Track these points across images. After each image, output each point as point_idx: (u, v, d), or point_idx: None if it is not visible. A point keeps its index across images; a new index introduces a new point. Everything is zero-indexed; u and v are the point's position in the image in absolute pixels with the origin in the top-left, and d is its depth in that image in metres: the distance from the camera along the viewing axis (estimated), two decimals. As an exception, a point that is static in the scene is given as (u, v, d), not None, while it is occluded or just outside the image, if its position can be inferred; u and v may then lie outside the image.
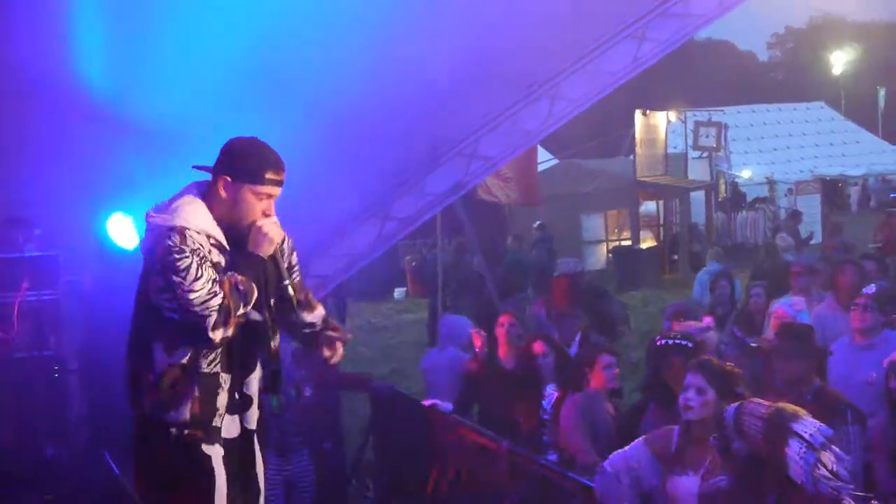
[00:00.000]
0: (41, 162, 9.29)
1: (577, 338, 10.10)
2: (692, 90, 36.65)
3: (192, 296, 4.70)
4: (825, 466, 4.59)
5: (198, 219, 4.90)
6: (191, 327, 4.77)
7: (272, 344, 5.17)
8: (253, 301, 4.89)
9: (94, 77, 9.23)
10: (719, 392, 5.90)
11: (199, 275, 4.74)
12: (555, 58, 10.88)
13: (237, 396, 5.10)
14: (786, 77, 67.82)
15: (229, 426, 5.08)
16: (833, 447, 4.68)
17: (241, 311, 4.83)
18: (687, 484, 5.84)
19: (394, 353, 21.06)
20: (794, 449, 4.64)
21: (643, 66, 11.06)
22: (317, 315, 5.32)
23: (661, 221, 32.83)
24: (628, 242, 31.39)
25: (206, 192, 5.03)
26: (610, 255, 31.28)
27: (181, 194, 5.01)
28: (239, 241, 5.02)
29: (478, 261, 18.51)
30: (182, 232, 4.80)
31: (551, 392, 8.92)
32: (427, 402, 9.58)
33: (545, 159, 29.51)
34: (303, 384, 9.21)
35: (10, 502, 8.62)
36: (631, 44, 11.01)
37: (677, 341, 7.35)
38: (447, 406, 9.43)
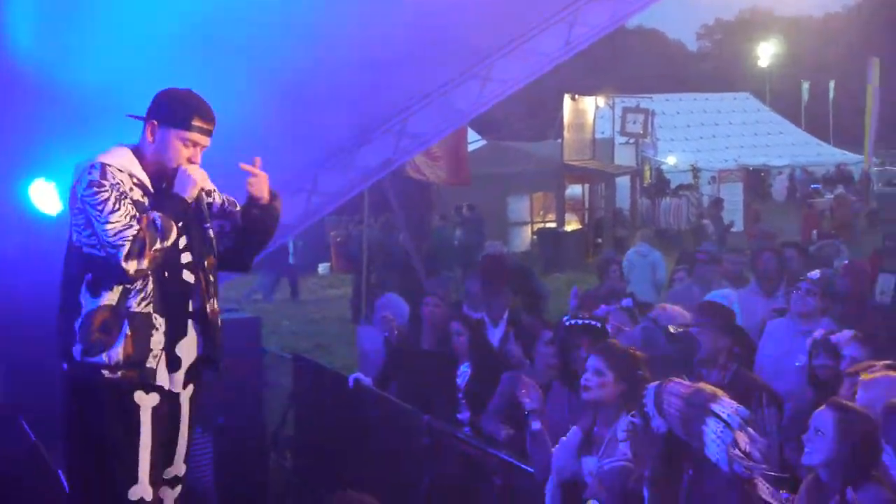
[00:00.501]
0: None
1: (505, 315, 10.10)
2: (621, 76, 36.91)
3: (108, 226, 4.76)
4: (739, 447, 4.67)
5: (120, 158, 4.98)
6: (111, 262, 4.80)
7: (207, 307, 5.19)
8: (172, 238, 4.92)
9: (22, 43, 9.07)
10: (619, 375, 5.98)
11: (115, 208, 4.80)
12: (488, 38, 10.84)
13: (169, 358, 5.09)
14: (714, 68, 68.36)
15: (164, 376, 5.06)
16: (748, 429, 4.76)
17: (158, 245, 4.85)
18: (591, 464, 5.95)
19: (317, 327, 21.07)
20: (711, 428, 4.71)
21: (575, 49, 11.10)
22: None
23: (587, 205, 33.01)
24: (553, 225, 31.51)
25: (136, 145, 5.12)
26: (535, 236, 31.42)
27: (112, 145, 5.09)
28: (165, 189, 5.08)
29: (403, 238, 18.51)
30: (103, 168, 4.87)
31: (465, 370, 8.95)
32: (351, 377, 9.55)
33: (473, 140, 29.53)
34: None
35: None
36: (563, 27, 11.02)
37: (586, 322, 7.38)
38: (367, 380, 9.44)
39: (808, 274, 9.05)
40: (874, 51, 44.18)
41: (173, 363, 5.11)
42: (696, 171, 39.17)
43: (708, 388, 5.00)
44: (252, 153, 9.81)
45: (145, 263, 4.81)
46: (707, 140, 45.02)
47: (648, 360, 6.19)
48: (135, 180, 4.96)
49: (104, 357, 4.89)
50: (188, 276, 5.10)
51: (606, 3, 10.97)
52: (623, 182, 33.85)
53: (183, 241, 5.10)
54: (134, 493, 4.95)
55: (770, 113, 51.99)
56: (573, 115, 31.02)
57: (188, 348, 5.17)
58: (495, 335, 9.85)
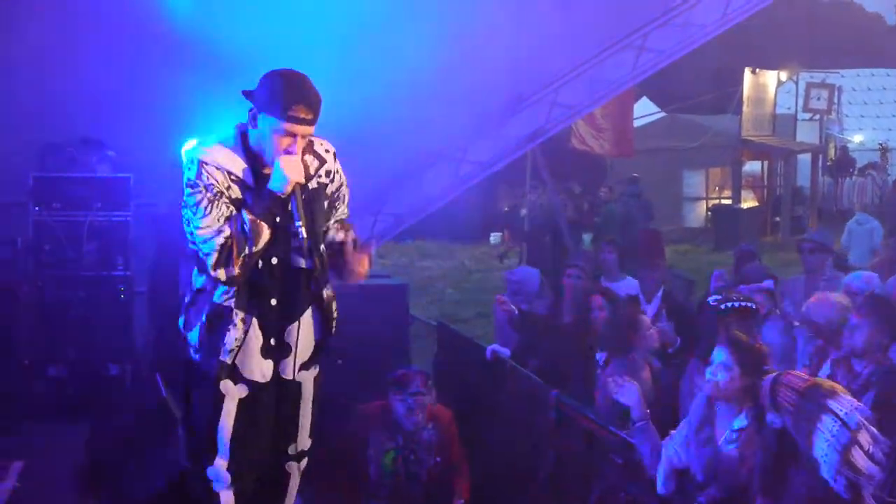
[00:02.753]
0: (119, 86, 9.37)
1: (660, 292, 9.91)
2: (811, 50, 35.70)
3: (199, 232, 4.74)
4: (861, 447, 4.45)
5: (219, 154, 4.83)
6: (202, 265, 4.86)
7: (324, 293, 5.13)
8: (262, 241, 4.80)
9: (178, 4, 9.29)
10: (745, 370, 5.76)
11: (207, 212, 4.73)
12: (642, 9, 10.70)
13: (273, 342, 5.04)
14: (913, 42, 65.78)
15: (258, 369, 5.02)
16: (870, 427, 4.53)
17: (247, 251, 4.75)
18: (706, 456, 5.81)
19: (480, 297, 21.09)
20: (825, 426, 4.51)
21: (732, 21, 10.92)
22: (344, 235, 5.14)
23: (765, 182, 32.22)
24: (729, 201, 30.87)
25: (245, 126, 4.95)
26: (709, 212, 30.86)
27: (218, 133, 4.98)
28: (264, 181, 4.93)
29: (553, 210, 18.33)
30: (200, 166, 4.77)
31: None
32: (489, 348, 9.53)
33: (650, 112, 29.15)
34: None
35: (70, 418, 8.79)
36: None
37: (741, 304, 7.15)
38: (505, 352, 9.39)
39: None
40: None
41: (284, 350, 5.08)
42: (885, 150, 37.79)
43: (826, 383, 4.81)
44: (403, 122, 9.93)
45: (235, 270, 4.76)
46: (901, 118, 43.47)
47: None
48: (233, 177, 4.82)
49: (191, 335, 4.98)
50: (301, 262, 5.00)
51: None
52: (804, 160, 32.88)
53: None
54: (219, 464, 5.00)
55: (973, 88, 49.91)
56: (753, 89, 30.25)
57: (304, 334, 5.12)
58: (648, 312, 9.59)
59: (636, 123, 26.85)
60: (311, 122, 4.84)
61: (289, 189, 4.84)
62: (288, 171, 4.81)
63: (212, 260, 4.72)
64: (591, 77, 11.19)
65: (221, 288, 4.88)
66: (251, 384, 5.01)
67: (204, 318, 4.91)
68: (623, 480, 6.94)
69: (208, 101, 9.14)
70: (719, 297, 7.23)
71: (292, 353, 5.08)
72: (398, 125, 9.62)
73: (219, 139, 4.89)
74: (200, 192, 4.74)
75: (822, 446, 4.46)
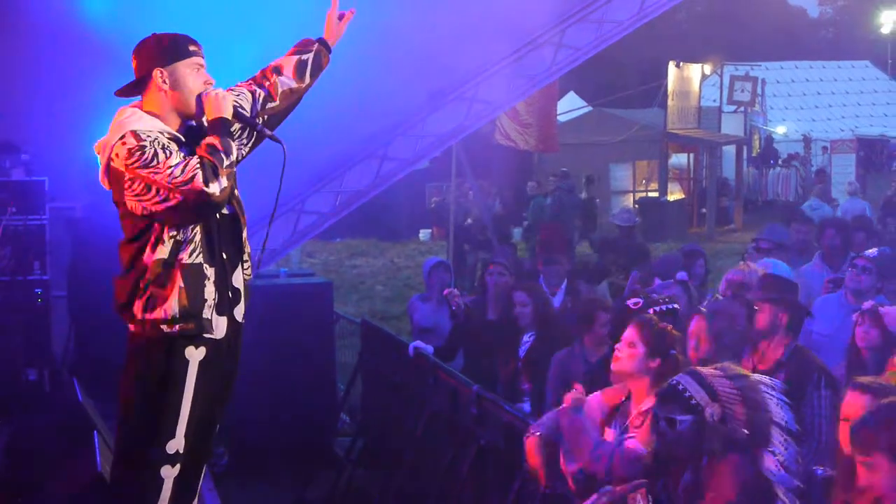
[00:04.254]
0: (33, 90, 9.29)
1: (563, 285, 10.02)
2: (734, 43, 36.17)
3: (171, 170, 4.69)
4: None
5: (140, 122, 4.86)
6: (191, 202, 4.77)
7: (243, 235, 5.18)
8: (234, 153, 4.86)
9: (93, 8, 9.23)
10: (651, 350, 5.83)
11: (168, 153, 4.72)
12: (559, 6, 10.77)
13: (230, 294, 5.09)
14: (835, 35, 66.74)
15: (219, 325, 5.05)
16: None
17: (227, 162, 4.78)
18: (610, 436, 5.87)
19: (411, 293, 21.09)
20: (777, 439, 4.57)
21: (648, 17, 10.98)
22: (287, 76, 5.30)
23: (691, 175, 32.54)
24: (655, 194, 31.16)
25: (141, 103, 5.02)
26: (636, 205, 31.13)
27: (122, 112, 4.99)
28: (197, 127, 5.04)
29: (477, 205, 18.42)
30: (132, 133, 4.76)
31: (527, 340, 8.87)
32: (411, 345, 9.55)
33: (577, 107, 29.34)
34: None
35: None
36: (636, -5, 10.92)
37: (665, 307, 7.18)
38: (428, 348, 9.41)
39: (866, 251, 8.93)
40: None
41: (236, 297, 5.13)
42: (808, 140, 38.29)
43: (746, 373, 4.87)
44: (324, 120, 9.92)
45: (225, 182, 4.75)
46: (822, 109, 43.89)
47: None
48: (166, 135, 4.86)
49: (161, 311, 4.89)
50: (225, 209, 5.04)
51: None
52: (729, 151, 33.25)
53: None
54: (171, 446, 4.98)
55: (890, 82, 50.50)
56: (678, 82, 30.55)
57: (240, 278, 5.19)
58: (554, 303, 9.73)
59: (563, 119, 27.04)
60: (203, 54, 5.05)
61: (230, 109, 4.95)
62: (222, 94, 4.95)
63: (199, 179, 4.67)
64: (509, 73, 11.23)
65: (186, 248, 4.90)
66: (210, 343, 5.04)
67: (181, 283, 4.89)
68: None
69: (121, 104, 9.11)
70: (639, 300, 7.29)
71: (242, 298, 5.16)
72: (319, 126, 9.59)
73: (123, 118, 4.92)
74: (148, 147, 4.72)
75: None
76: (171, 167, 4.68)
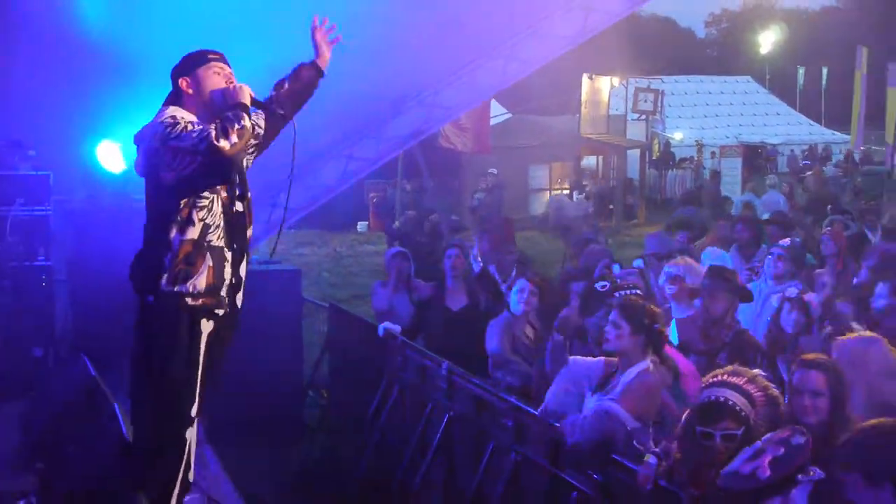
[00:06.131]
0: (39, 91, 9.15)
1: (513, 273, 9.99)
2: (636, 59, 36.47)
3: (191, 134, 4.87)
4: None
5: (179, 111, 5.08)
6: (209, 162, 4.90)
7: (248, 232, 5.29)
8: (247, 122, 4.91)
9: (91, 14, 9.07)
10: (635, 327, 5.90)
11: (195, 127, 4.92)
12: (511, 22, 10.74)
13: (234, 280, 5.18)
14: (719, 53, 67.77)
15: (228, 304, 5.17)
16: None
17: (239, 125, 4.85)
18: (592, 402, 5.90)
19: (354, 279, 21.03)
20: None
21: (591, 33, 11.01)
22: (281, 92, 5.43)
23: (600, 175, 32.79)
24: (569, 191, 31.33)
25: (178, 105, 5.18)
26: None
27: (161, 111, 5.13)
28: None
29: (431, 200, 18.44)
30: (172, 115, 5.00)
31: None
32: (381, 326, 9.46)
33: (499, 113, 29.37)
34: None
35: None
36: (579, 13, 10.91)
37: (632, 291, 7.20)
38: (396, 328, 9.34)
39: (780, 241, 9.15)
40: (863, 40, 43.57)
41: (238, 284, 5.21)
42: (700, 146, 38.84)
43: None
44: (299, 123, 9.80)
45: (235, 139, 4.82)
46: (711, 118, 44.74)
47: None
48: (194, 121, 5.04)
49: (189, 286, 4.97)
50: (239, 206, 5.19)
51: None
52: (633, 155, 33.60)
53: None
54: (194, 410, 5.08)
55: (768, 95, 51.58)
56: (590, 92, 30.93)
57: (244, 270, 5.29)
58: (504, 289, 9.68)
59: (487, 124, 27.08)
60: (226, 62, 5.29)
61: (249, 98, 5.07)
62: (240, 84, 5.12)
63: (212, 135, 4.78)
64: (465, 82, 11.21)
65: (214, 231, 5.05)
66: (217, 318, 5.12)
67: (210, 262, 5.03)
68: (513, 441, 6.98)
69: (119, 105, 8.97)
70: (606, 283, 7.32)
71: (243, 287, 5.26)
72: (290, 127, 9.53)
73: (169, 109, 5.11)
74: (179, 123, 4.93)
75: None
76: (191, 130, 4.88)
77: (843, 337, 5.89)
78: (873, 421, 3.86)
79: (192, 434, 5.10)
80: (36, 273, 9.21)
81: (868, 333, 5.87)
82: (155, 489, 5.04)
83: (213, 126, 4.82)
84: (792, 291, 7.52)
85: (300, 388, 11.18)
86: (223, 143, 4.79)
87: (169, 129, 4.89)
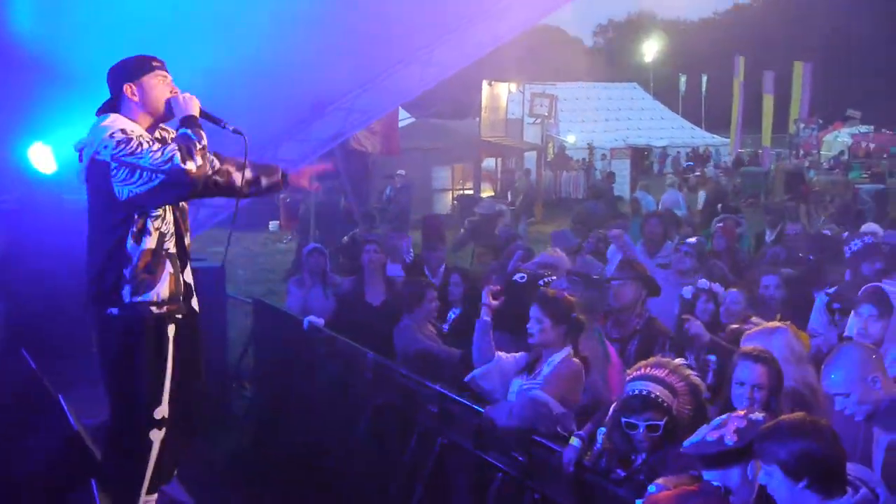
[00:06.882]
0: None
1: (441, 269, 10.04)
2: (530, 67, 36.78)
3: (153, 154, 4.77)
4: None
5: (123, 123, 4.94)
6: (171, 182, 4.79)
7: (187, 239, 5.23)
8: (205, 140, 4.88)
9: (23, 22, 8.87)
10: (556, 320, 6.00)
11: (150, 144, 4.82)
12: (428, 28, 10.78)
13: (185, 286, 5.14)
14: (606, 61, 68.56)
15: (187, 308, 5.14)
16: None
17: (200, 144, 4.83)
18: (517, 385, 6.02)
19: (267, 276, 20.90)
20: None
21: (501, 40, 11.11)
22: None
23: (499, 176, 33.05)
24: (471, 192, 31.47)
25: (118, 112, 5.05)
26: (455, 201, 31.41)
27: (101, 119, 5.00)
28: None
29: (348, 200, 18.38)
30: (122, 129, 4.86)
31: (453, 314, 8.82)
32: (306, 319, 9.41)
33: (403, 118, 29.40)
34: None
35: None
36: (491, 21, 11.01)
37: (548, 279, 7.30)
38: (320, 321, 9.30)
39: (687, 240, 9.40)
40: (740, 50, 44.63)
41: (189, 290, 5.17)
42: (591, 148, 39.34)
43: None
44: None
45: (200, 161, 4.80)
46: (601, 122, 45.38)
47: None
48: (145, 134, 4.94)
49: (152, 295, 4.91)
50: (171, 216, 5.09)
51: (531, 2, 10.96)
52: (530, 157, 33.92)
53: None
54: (158, 412, 4.98)
55: (653, 101, 52.53)
56: (490, 98, 31.20)
57: (189, 276, 5.24)
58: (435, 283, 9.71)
59: (391, 127, 27.08)
60: (166, 69, 5.17)
61: (198, 109, 5.04)
62: (188, 94, 5.07)
63: (178, 158, 4.74)
64: (383, 87, 11.24)
65: (170, 239, 5.01)
66: (177, 322, 5.06)
67: (170, 269, 4.98)
68: (440, 426, 7.04)
69: (49, 108, 8.80)
70: (524, 274, 7.40)
71: (193, 292, 5.22)
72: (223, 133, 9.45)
73: (110, 121, 4.96)
74: (133, 139, 4.81)
75: None
76: (152, 152, 4.76)
77: (750, 329, 6.08)
78: (794, 415, 3.92)
79: (157, 436, 5.01)
80: (-29, 273, 8.97)
81: (774, 324, 6.04)
82: (118, 488, 5.00)
83: (175, 147, 4.77)
84: (704, 283, 7.78)
85: (226, 381, 11.06)
86: (189, 166, 4.75)
87: (123, 146, 4.78)
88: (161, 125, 5.18)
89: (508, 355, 6.29)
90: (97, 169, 4.84)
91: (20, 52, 8.78)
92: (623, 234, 9.49)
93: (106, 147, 4.80)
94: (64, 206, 9.28)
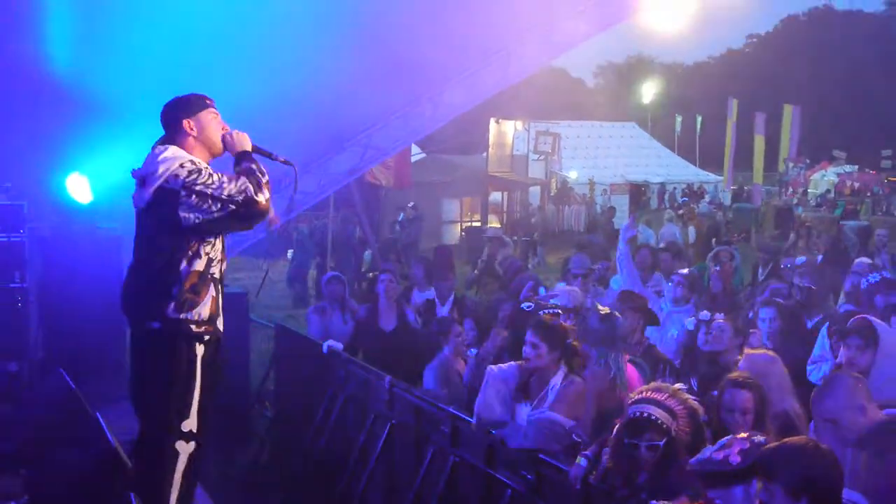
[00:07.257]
0: (13, 130, 9.02)
1: (451, 298, 10.04)
2: (535, 106, 36.97)
3: (226, 185, 4.86)
4: None
5: (190, 154, 5.03)
6: (241, 212, 4.89)
7: (224, 265, 5.23)
8: (266, 173, 4.99)
9: (60, 58, 8.99)
10: (551, 345, 6.02)
11: (221, 175, 4.91)
12: (439, 69, 10.87)
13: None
14: (607, 101, 68.70)
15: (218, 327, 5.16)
16: None
17: (265, 178, 4.96)
18: (523, 411, 6.00)
19: (286, 301, 20.93)
20: None
21: (510, 82, 11.18)
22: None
23: (505, 209, 33.12)
24: (478, 224, 31.55)
25: (177, 145, 5.09)
26: (463, 233, 31.48)
27: (163, 150, 5.02)
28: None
29: (363, 230, 18.46)
30: (191, 160, 4.95)
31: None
32: (325, 344, 9.42)
33: (416, 153, 29.51)
34: None
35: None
36: (501, 62, 11.09)
37: (552, 310, 7.30)
38: (339, 346, 9.32)
39: (679, 270, 9.44)
40: (733, 93, 44.71)
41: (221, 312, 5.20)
42: (592, 184, 39.40)
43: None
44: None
45: (267, 193, 4.94)
46: (601, 159, 45.38)
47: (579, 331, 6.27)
48: (210, 168, 5.03)
49: (194, 314, 4.94)
50: (220, 243, 5.15)
51: (538, 46, 11.03)
52: (535, 191, 34.02)
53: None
54: (185, 425, 5.00)
55: (650, 139, 52.55)
56: (496, 135, 31.37)
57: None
58: (442, 311, 9.74)
59: (404, 162, 27.19)
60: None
61: (250, 145, 5.13)
62: (238, 130, 5.16)
63: (251, 189, 4.86)
64: (397, 125, 11.32)
65: (217, 265, 5.05)
66: (207, 345, 5.06)
67: (213, 293, 5.03)
68: (451, 446, 7.06)
69: (86, 140, 8.91)
70: (531, 304, 7.42)
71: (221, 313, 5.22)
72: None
73: (173, 148, 5.03)
74: (204, 169, 4.91)
75: None
76: (225, 182, 4.87)
77: (751, 351, 6.11)
78: (796, 438, 3.94)
79: (185, 448, 5.00)
80: (12, 294, 9.04)
81: (771, 352, 6.08)
82: (147, 498, 4.97)
83: (245, 180, 4.88)
84: (705, 315, 7.69)
85: (249, 401, 11.09)
86: (260, 198, 4.88)
87: (195, 175, 4.86)
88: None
89: (496, 367, 6.28)
90: (164, 196, 4.90)
91: (60, 86, 8.91)
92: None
93: (177, 176, 4.87)
94: (98, 234, 9.39)
